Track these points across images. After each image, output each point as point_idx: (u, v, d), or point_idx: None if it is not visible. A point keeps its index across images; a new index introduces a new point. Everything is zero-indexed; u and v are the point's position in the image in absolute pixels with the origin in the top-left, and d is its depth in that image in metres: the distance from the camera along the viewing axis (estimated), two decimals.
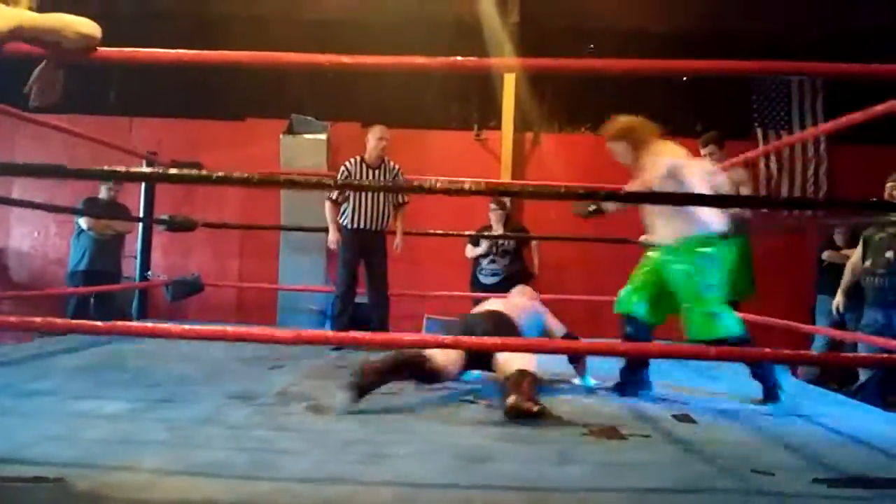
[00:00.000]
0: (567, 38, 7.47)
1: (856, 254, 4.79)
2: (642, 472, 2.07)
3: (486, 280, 5.91)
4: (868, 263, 4.54)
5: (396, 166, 4.75)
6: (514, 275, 5.80)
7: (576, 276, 6.75)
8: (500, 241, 5.85)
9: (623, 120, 3.48)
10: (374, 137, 4.68)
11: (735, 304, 4.84)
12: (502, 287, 5.77)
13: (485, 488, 1.88)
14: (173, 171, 2.89)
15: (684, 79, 7.20)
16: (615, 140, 3.46)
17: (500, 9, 7.35)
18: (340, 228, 4.66)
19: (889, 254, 4.43)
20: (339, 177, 4.71)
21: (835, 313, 4.82)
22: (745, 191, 4.74)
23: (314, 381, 3.29)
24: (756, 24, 7.33)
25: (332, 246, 4.74)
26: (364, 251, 4.68)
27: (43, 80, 2.25)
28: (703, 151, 4.89)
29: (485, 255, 5.93)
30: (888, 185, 4.54)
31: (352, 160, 4.72)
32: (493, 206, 5.88)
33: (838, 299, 4.78)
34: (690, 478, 2.01)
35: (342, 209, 4.68)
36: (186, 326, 2.27)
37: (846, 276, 4.84)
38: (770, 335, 4.74)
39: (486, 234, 5.85)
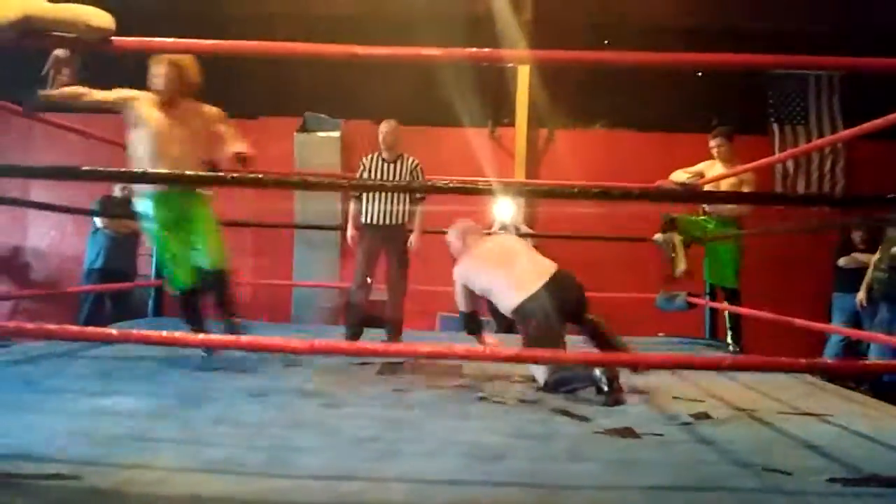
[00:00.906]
0: (581, 35, 7.44)
1: (880, 249, 4.89)
2: (655, 470, 2.06)
3: None
4: (877, 258, 4.59)
5: (415, 161, 4.76)
6: None
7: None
8: None
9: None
10: (380, 132, 4.74)
11: (725, 292, 4.90)
12: None
13: (496, 485, 1.88)
14: (189, 172, 2.90)
15: (699, 74, 7.17)
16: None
17: (514, 5, 7.33)
18: (359, 224, 4.68)
19: (895, 250, 4.58)
20: (358, 172, 4.76)
21: (859, 308, 4.87)
22: (748, 189, 4.71)
23: (328, 379, 3.31)
24: (770, 21, 7.27)
25: (350, 242, 4.76)
26: (381, 247, 4.67)
27: (59, 64, 2.26)
28: (711, 143, 4.89)
29: None
30: None
31: (369, 156, 4.76)
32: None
33: (861, 295, 4.83)
34: (703, 476, 2.00)
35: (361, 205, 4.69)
36: (201, 336, 2.30)
37: (869, 272, 4.92)
38: (787, 333, 4.72)
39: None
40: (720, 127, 5.02)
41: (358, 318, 4.64)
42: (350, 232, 4.70)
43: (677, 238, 4.85)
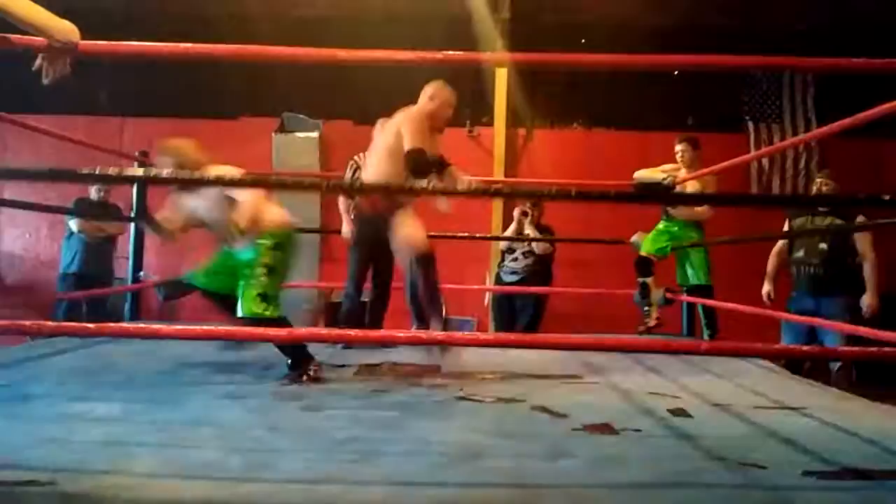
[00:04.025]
0: (559, 34, 7.47)
1: (781, 241, 5.02)
2: (634, 466, 2.07)
3: (507, 278, 5.93)
4: (801, 254, 4.77)
5: None
6: (533, 276, 5.79)
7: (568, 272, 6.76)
8: (527, 242, 5.83)
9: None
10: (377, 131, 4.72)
11: (699, 289, 4.97)
12: (520, 286, 5.79)
13: (477, 485, 1.88)
14: (166, 173, 2.88)
15: (675, 73, 7.22)
16: None
17: (491, 5, 7.35)
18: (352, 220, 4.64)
19: (822, 245, 4.67)
20: (347, 170, 4.73)
21: (766, 300, 4.93)
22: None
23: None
24: (745, 18, 7.35)
25: (347, 237, 4.71)
26: (376, 246, 4.57)
27: (49, 57, 2.23)
28: (676, 147, 4.98)
29: (509, 253, 5.94)
30: (818, 180, 4.83)
31: (361, 154, 4.75)
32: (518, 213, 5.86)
33: (767, 288, 4.92)
34: (682, 472, 2.02)
35: (353, 201, 4.64)
36: (178, 327, 2.27)
37: (772, 263, 5.02)
38: (761, 330, 4.82)
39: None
40: (687, 133, 5.12)
41: (358, 325, 4.56)
42: (346, 227, 4.64)
43: (655, 294, 4.97)
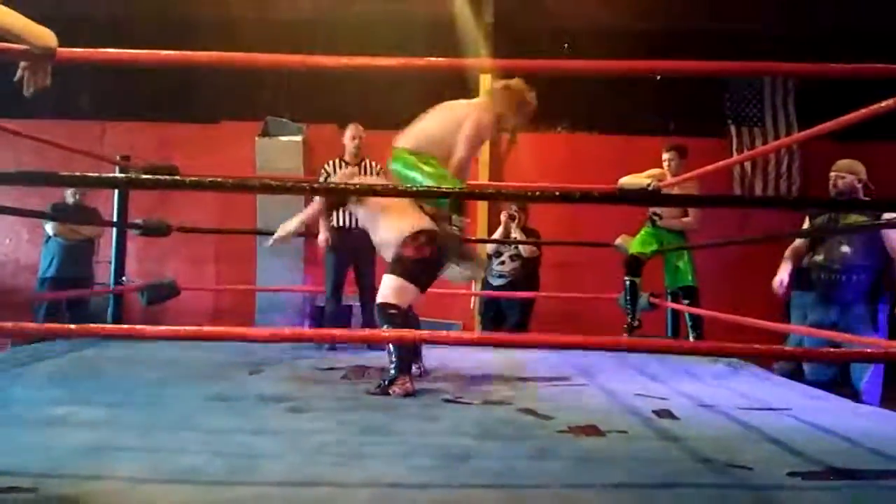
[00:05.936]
0: (542, 38, 7.50)
1: (797, 241, 4.44)
2: (620, 467, 2.07)
3: (494, 281, 5.91)
4: (821, 258, 4.20)
5: (378, 165, 4.77)
6: (522, 280, 5.79)
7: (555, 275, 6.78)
8: (513, 245, 5.81)
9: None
10: (348, 136, 4.75)
11: (680, 292, 5.04)
12: (508, 290, 5.79)
13: (463, 487, 1.88)
14: (147, 176, 2.86)
15: (658, 77, 7.26)
16: None
17: (475, 8, 7.36)
18: (329, 227, 4.64)
19: (845, 248, 4.09)
20: (319, 177, 4.72)
21: (777, 288, 4.44)
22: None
23: (293, 385, 3.27)
24: (728, 24, 7.41)
25: (322, 244, 4.70)
26: (351, 252, 4.63)
27: (31, 67, 2.20)
28: (664, 155, 5.01)
29: (496, 256, 5.92)
30: (832, 174, 4.27)
31: (331, 161, 4.73)
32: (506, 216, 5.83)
33: (781, 275, 4.27)
34: (668, 473, 2.02)
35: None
36: (162, 328, 2.24)
37: (791, 261, 4.37)
38: (746, 335, 4.82)
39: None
40: (675, 142, 5.13)
41: (343, 327, 4.59)
42: (323, 235, 4.64)
43: (643, 298, 5.04)
